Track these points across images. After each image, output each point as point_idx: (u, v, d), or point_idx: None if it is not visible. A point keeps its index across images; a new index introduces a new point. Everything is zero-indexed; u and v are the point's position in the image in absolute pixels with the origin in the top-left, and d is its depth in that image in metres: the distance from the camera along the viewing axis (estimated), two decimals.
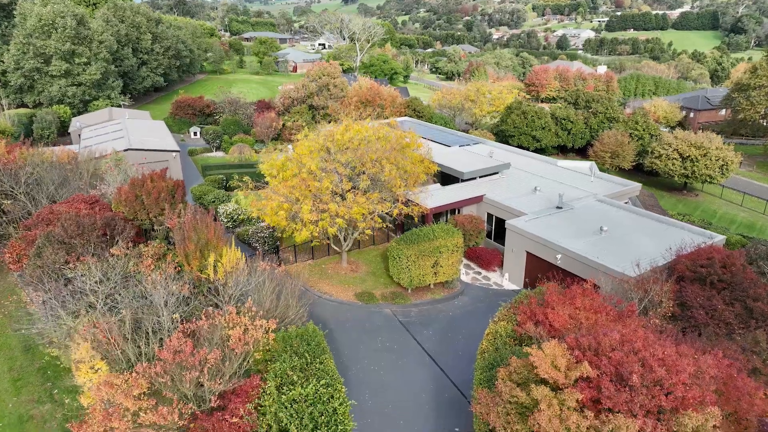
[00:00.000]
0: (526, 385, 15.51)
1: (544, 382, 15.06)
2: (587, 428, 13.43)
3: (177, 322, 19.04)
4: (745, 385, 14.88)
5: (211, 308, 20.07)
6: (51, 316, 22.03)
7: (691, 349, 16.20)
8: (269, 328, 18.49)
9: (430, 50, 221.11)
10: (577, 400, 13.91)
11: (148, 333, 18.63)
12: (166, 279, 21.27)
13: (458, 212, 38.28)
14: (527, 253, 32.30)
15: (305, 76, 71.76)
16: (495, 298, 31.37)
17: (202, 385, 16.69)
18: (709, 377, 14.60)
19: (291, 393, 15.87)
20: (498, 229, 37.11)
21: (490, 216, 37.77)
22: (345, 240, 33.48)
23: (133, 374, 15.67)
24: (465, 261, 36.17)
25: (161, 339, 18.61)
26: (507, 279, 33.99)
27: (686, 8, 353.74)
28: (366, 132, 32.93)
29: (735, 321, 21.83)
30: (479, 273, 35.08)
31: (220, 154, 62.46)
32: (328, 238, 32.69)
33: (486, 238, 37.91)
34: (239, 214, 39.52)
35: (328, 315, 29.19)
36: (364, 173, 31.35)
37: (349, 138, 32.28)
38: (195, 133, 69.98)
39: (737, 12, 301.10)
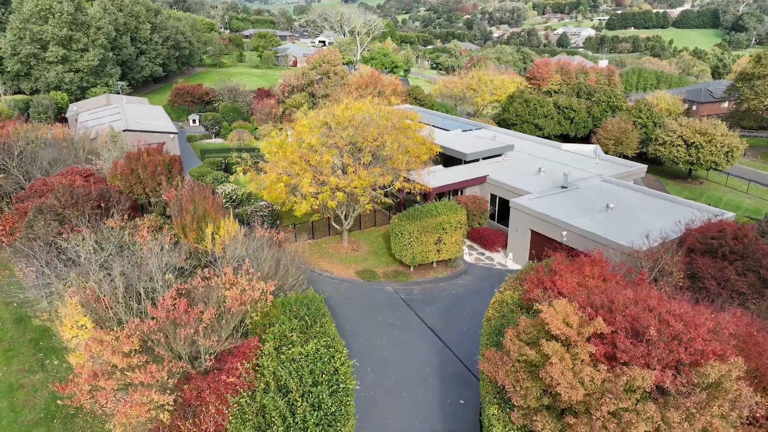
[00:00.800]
0: (535, 344, 14.80)
1: (555, 339, 14.36)
2: (601, 381, 12.75)
3: (171, 282, 18.33)
4: (766, 341, 14.20)
5: (207, 269, 19.35)
6: (42, 285, 21.33)
7: (707, 309, 15.54)
8: (267, 289, 17.78)
9: (430, 47, 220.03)
10: (590, 354, 13.23)
11: (140, 294, 17.92)
12: (161, 247, 20.58)
13: (461, 193, 37.61)
14: (532, 231, 31.62)
15: (305, 63, 71.06)
16: (499, 277, 30.59)
17: (197, 347, 15.99)
18: (728, 333, 13.93)
19: (290, 351, 15.18)
20: (502, 210, 36.45)
21: (493, 197, 37.11)
22: (346, 218, 32.79)
23: (125, 330, 14.94)
24: (468, 242, 35.48)
25: (153, 299, 17.90)
26: (511, 259, 33.31)
27: (687, 6, 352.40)
28: (367, 109, 32.23)
29: (749, 291, 21.14)
30: (483, 254, 34.39)
31: (219, 140, 61.71)
32: (329, 213, 31.99)
33: (489, 219, 37.23)
34: (238, 194, 38.82)
35: (329, 292, 28.43)
36: (366, 148, 30.65)
37: (350, 115, 31.56)
38: (194, 121, 69.25)
39: (738, 10, 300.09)
